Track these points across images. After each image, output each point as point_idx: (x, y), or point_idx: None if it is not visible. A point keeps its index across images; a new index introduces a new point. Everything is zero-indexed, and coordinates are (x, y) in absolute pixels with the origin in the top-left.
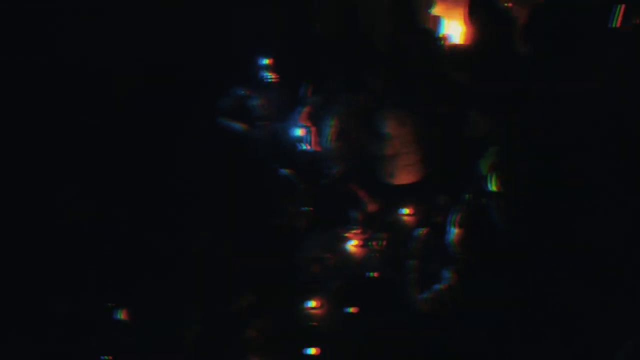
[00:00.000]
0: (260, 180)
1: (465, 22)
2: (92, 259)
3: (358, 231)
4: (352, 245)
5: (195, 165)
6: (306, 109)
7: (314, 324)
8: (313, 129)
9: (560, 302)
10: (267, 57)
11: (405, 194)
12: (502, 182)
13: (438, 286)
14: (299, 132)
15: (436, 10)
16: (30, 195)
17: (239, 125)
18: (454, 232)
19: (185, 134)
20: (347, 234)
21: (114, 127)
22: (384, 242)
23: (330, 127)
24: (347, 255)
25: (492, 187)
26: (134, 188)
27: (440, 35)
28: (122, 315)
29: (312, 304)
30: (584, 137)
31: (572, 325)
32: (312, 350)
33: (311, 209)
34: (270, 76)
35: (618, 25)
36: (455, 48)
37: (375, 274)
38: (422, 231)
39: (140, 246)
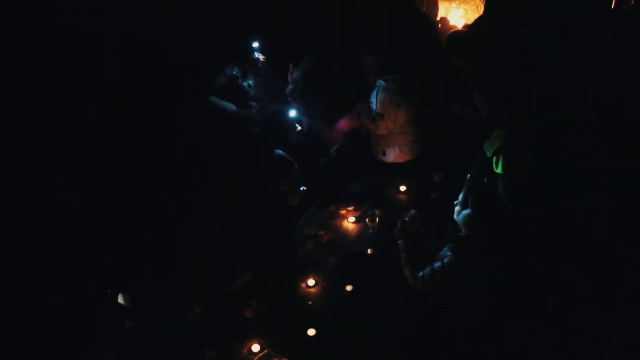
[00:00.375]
0: (256, 160)
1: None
2: (88, 244)
3: (352, 208)
4: (347, 222)
5: (190, 145)
6: (291, 87)
7: (310, 303)
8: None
9: (559, 287)
10: (260, 38)
11: (399, 172)
12: (508, 165)
13: (437, 265)
14: (293, 112)
15: None
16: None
17: (230, 105)
18: (466, 213)
19: (178, 115)
20: (341, 212)
21: (106, 108)
22: (378, 220)
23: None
24: (342, 232)
25: (498, 169)
26: (128, 169)
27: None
28: (121, 299)
29: (309, 282)
30: (585, 119)
31: (569, 309)
32: (310, 331)
33: (306, 187)
34: (263, 57)
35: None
36: (454, 31)
37: (370, 251)
38: (415, 211)
39: (136, 230)
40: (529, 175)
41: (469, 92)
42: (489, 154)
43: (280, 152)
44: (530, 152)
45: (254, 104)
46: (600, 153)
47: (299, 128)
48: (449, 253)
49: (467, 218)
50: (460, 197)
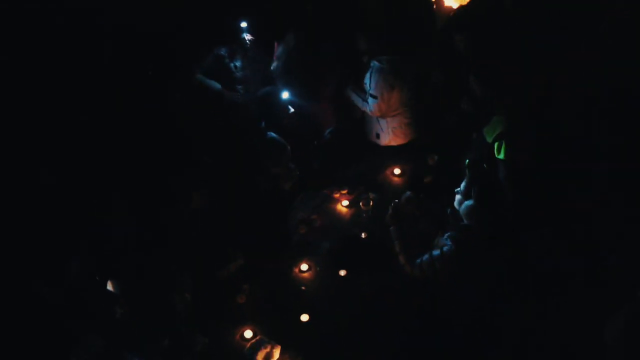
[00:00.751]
0: (247, 142)
1: None
2: (72, 230)
3: (345, 192)
4: (341, 206)
5: (182, 126)
6: (275, 63)
7: (303, 288)
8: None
9: (557, 275)
10: (249, 18)
11: (394, 155)
12: (510, 151)
13: (437, 253)
14: (286, 94)
15: None
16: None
17: (216, 84)
18: (468, 204)
19: (168, 96)
20: (335, 195)
21: (97, 88)
22: (372, 203)
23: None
24: (335, 216)
25: (499, 154)
26: (120, 152)
27: None
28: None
29: (302, 267)
30: (585, 104)
31: (567, 297)
32: (303, 316)
33: (299, 172)
34: (251, 38)
35: None
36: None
37: (364, 235)
38: (410, 192)
39: (129, 211)
40: (531, 162)
41: (467, 78)
42: (489, 139)
43: (273, 134)
44: (533, 138)
45: (239, 87)
46: (601, 140)
47: (292, 110)
48: (449, 242)
49: (470, 209)
50: (462, 186)
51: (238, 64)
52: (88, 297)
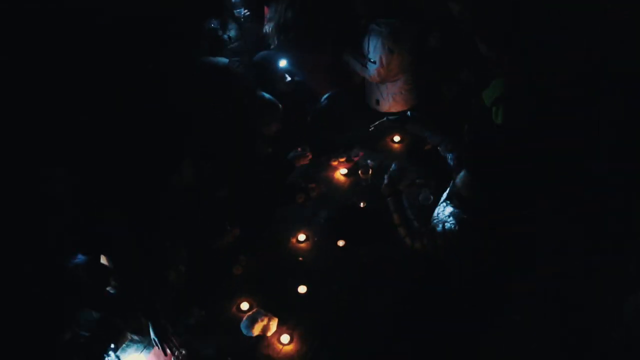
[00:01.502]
0: (239, 102)
1: None
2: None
3: (344, 159)
4: (339, 174)
5: (177, 96)
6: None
7: (301, 259)
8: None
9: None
10: None
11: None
12: (508, 115)
13: (439, 229)
14: (283, 62)
15: None
16: None
17: (224, 59)
18: (462, 175)
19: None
20: (333, 163)
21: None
22: (371, 171)
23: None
24: (333, 185)
25: (497, 119)
26: (118, 124)
27: None
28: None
29: (300, 237)
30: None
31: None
32: (300, 288)
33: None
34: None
35: None
36: None
37: (363, 205)
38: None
39: (124, 184)
40: (528, 126)
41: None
42: (487, 102)
43: (264, 94)
44: (531, 103)
45: (235, 59)
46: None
47: (289, 79)
48: (452, 219)
49: (463, 178)
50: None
51: (232, 34)
52: (81, 271)
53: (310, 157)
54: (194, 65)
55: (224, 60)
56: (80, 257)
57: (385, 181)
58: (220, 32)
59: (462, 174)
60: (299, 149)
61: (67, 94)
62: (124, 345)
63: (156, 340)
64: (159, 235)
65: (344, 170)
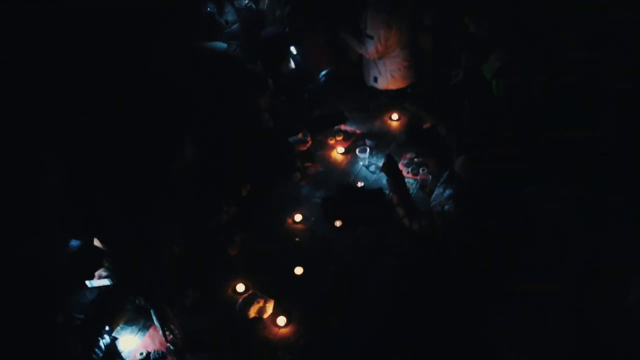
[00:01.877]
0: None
1: None
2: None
3: (341, 138)
4: (336, 153)
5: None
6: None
7: (297, 239)
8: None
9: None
10: None
11: (392, 100)
12: (508, 87)
13: (438, 211)
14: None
15: None
16: None
17: (222, 44)
18: (462, 158)
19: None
20: (330, 142)
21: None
22: (369, 150)
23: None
24: (330, 164)
25: (499, 92)
26: (115, 104)
27: None
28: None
29: (296, 218)
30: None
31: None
32: (297, 269)
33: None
34: None
35: None
36: None
37: (361, 184)
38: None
39: (120, 161)
40: (528, 99)
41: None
42: (487, 76)
43: (252, 67)
44: (530, 74)
45: (234, 42)
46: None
47: (293, 66)
48: (450, 201)
49: (463, 161)
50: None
51: (229, 18)
52: (74, 253)
53: (310, 143)
54: (192, 49)
55: (222, 45)
56: (74, 242)
57: (384, 159)
58: (217, 17)
59: (461, 157)
60: (300, 135)
61: (64, 78)
62: (118, 327)
63: (158, 324)
64: (153, 217)
65: (341, 149)
